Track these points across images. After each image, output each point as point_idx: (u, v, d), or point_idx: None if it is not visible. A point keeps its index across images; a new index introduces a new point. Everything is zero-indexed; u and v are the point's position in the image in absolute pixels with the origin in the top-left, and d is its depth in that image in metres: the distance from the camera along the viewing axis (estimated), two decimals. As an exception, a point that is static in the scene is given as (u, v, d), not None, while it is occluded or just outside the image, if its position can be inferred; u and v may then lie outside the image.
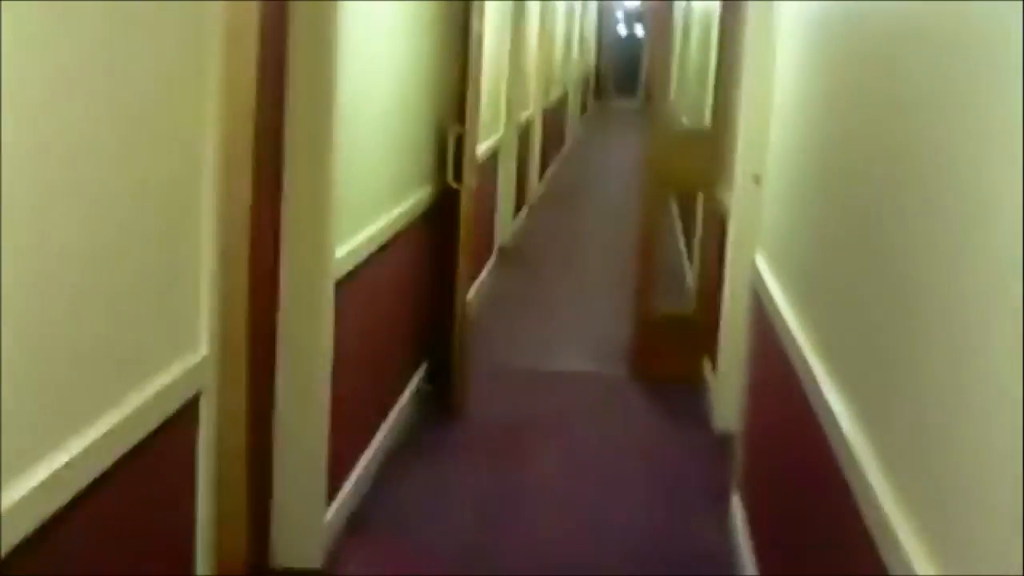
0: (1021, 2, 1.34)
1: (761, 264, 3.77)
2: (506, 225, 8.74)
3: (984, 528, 1.38)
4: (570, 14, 16.16)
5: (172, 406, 2.28)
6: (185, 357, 2.34)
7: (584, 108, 22.48)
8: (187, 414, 2.38)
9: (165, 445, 2.27)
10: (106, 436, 1.98)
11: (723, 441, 4.73)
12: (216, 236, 2.43)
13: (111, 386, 2.02)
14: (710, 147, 5.67)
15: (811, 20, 3.14)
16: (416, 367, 5.10)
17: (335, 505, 3.72)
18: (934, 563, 1.56)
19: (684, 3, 11.67)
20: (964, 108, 1.59)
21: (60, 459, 1.82)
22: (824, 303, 2.63)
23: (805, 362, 2.68)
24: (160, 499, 2.29)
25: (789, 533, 2.88)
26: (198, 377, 2.39)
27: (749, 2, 5.02)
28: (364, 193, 3.84)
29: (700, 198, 6.87)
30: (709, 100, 6.21)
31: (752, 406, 3.78)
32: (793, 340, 2.88)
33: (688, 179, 5.93)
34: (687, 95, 10.16)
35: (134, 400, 2.10)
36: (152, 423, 2.18)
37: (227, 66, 2.60)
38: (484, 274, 7.44)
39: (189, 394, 2.36)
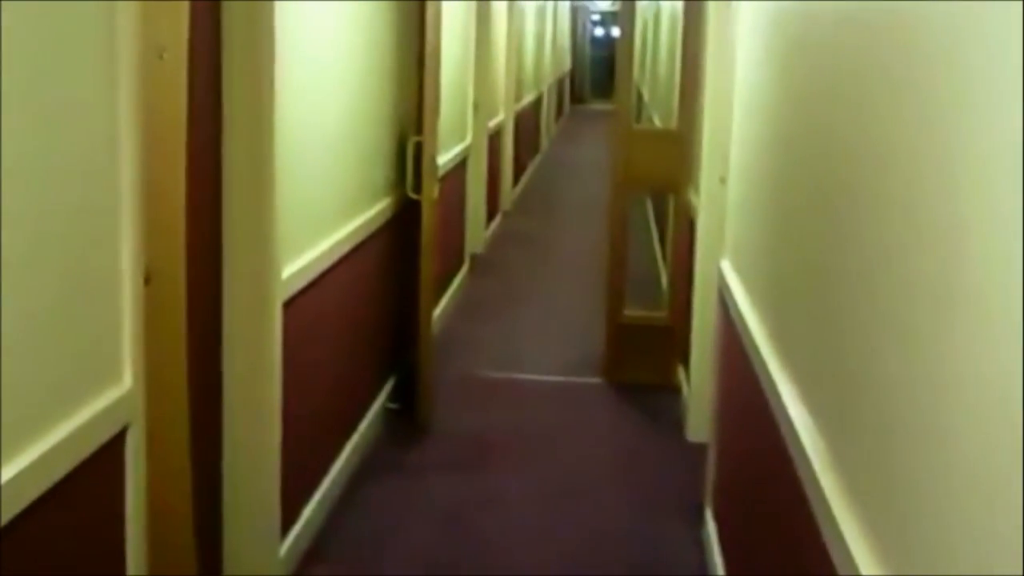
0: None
1: (726, 269, 3.65)
2: (478, 233, 8.61)
3: (938, 538, 1.27)
4: (541, 16, 16.04)
5: (93, 443, 2.15)
6: (106, 391, 2.20)
7: (560, 111, 22.37)
8: (113, 450, 2.25)
9: (89, 483, 2.15)
10: (17, 477, 1.86)
11: (697, 451, 4.61)
12: (138, 263, 2.30)
13: (19, 426, 1.89)
14: (677, 148, 5.55)
15: (768, 20, 3.03)
16: (382, 384, 4.97)
17: (292, 535, 3.58)
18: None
19: (654, 3, 11.58)
20: (923, 104, 1.48)
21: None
22: (784, 309, 2.52)
23: (767, 371, 2.56)
24: (86, 539, 2.16)
25: (756, 551, 2.76)
26: (123, 411, 2.26)
27: (710, 1, 4.91)
28: (315, 209, 3.71)
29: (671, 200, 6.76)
30: (676, 101, 6.10)
31: (721, 417, 3.66)
32: (756, 347, 2.77)
33: (656, 181, 5.81)
34: (659, 96, 10.07)
35: (49, 440, 1.98)
36: (71, 462, 2.06)
37: (152, 76, 2.47)
38: (455, 284, 7.31)
39: (114, 429, 2.24)
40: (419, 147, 4.92)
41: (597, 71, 28.38)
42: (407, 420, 4.96)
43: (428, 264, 4.93)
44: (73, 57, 2.01)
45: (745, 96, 3.48)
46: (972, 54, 1.26)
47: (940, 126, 1.37)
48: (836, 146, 2.01)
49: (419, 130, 4.98)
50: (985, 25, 1.21)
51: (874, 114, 1.72)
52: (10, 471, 1.85)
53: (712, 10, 4.86)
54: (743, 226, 3.37)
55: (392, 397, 5.06)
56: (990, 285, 1.16)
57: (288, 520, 3.55)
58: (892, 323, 1.56)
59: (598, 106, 26.86)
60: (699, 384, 4.83)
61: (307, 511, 3.77)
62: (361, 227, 4.30)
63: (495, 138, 9.74)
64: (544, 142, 16.75)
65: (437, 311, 6.38)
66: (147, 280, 2.49)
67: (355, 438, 4.43)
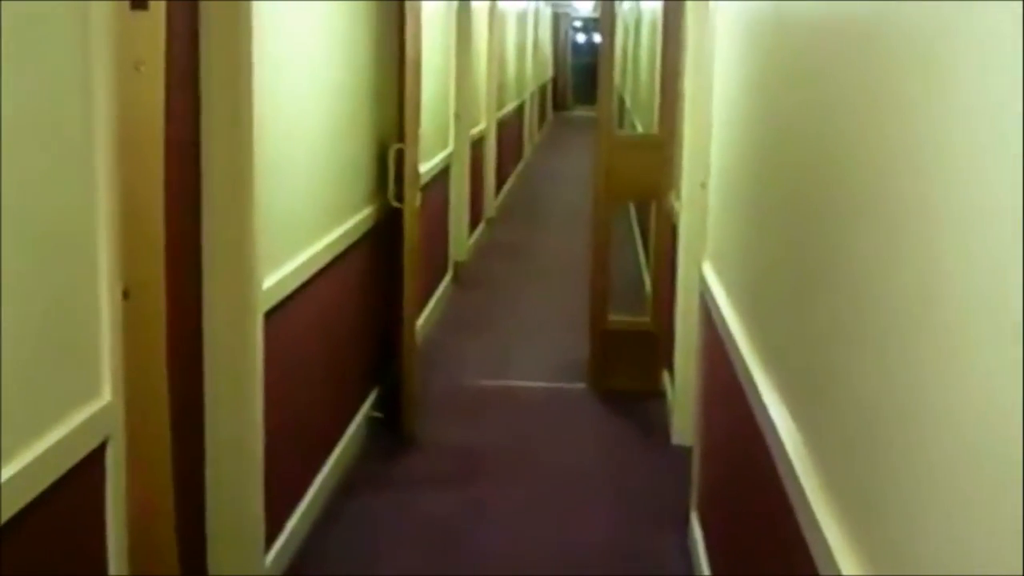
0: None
1: (708, 273, 3.65)
2: (461, 241, 8.61)
3: (917, 537, 1.27)
4: (522, 24, 16.06)
5: (72, 457, 2.13)
6: (85, 405, 2.19)
7: (543, 118, 22.39)
8: (93, 463, 2.23)
9: (68, 498, 2.13)
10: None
11: (682, 456, 4.61)
12: (115, 277, 2.29)
13: (-5, 444, 1.88)
14: (659, 154, 5.56)
15: (741, 24, 3.03)
16: (366, 395, 4.96)
17: (276, 547, 3.57)
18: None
19: (636, 9, 11.61)
20: (895, 106, 1.48)
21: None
22: (763, 310, 2.52)
23: (749, 374, 2.56)
24: (67, 554, 2.15)
25: (740, 554, 2.75)
26: (102, 424, 2.25)
27: (688, 4, 4.93)
28: (296, 219, 3.70)
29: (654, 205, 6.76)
30: (657, 106, 6.11)
31: (704, 421, 3.66)
32: (738, 350, 2.77)
33: (638, 187, 5.81)
34: (641, 102, 10.09)
35: (26, 455, 1.97)
36: (49, 477, 2.05)
37: (128, 88, 2.46)
38: (439, 292, 7.31)
39: (93, 443, 2.22)
40: (400, 155, 4.92)
41: (579, 77, 28.40)
42: (392, 431, 4.95)
43: (411, 272, 4.92)
44: (47, 70, 2.00)
45: (723, 100, 3.48)
46: (942, 55, 1.26)
47: (911, 126, 1.37)
48: (808, 148, 2.01)
49: (400, 138, 4.98)
50: (956, 25, 1.22)
51: (844, 115, 1.73)
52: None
53: (690, 15, 4.87)
54: (723, 229, 3.37)
55: (376, 407, 5.04)
56: (967, 283, 1.16)
57: (272, 533, 3.53)
58: (868, 323, 1.56)
59: (581, 112, 26.85)
60: (683, 387, 4.84)
61: (291, 523, 3.75)
62: (343, 236, 4.29)
63: (477, 146, 9.74)
64: (527, 149, 16.75)
65: (421, 320, 6.37)
66: (126, 294, 2.48)
67: (339, 450, 4.42)
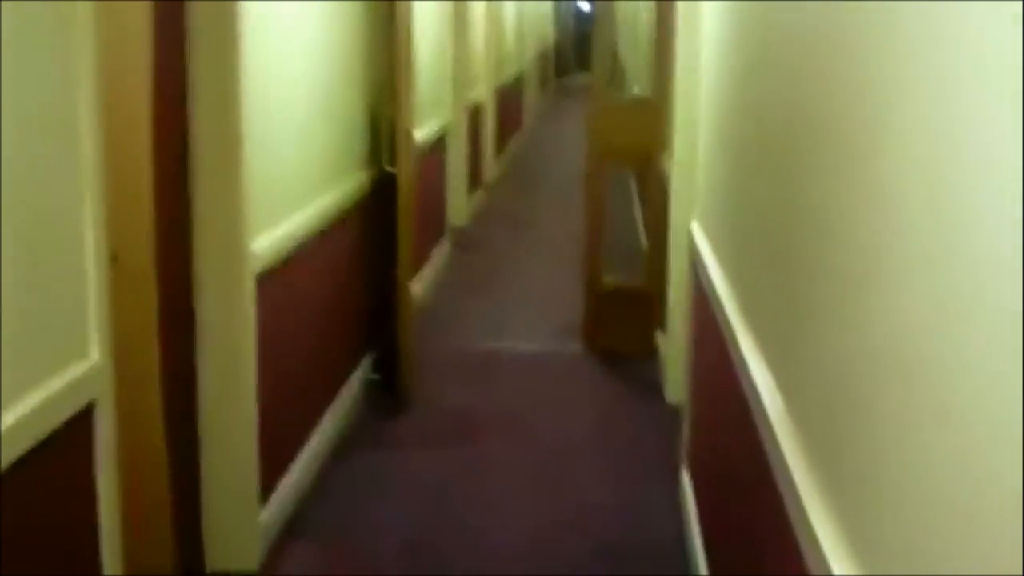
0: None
1: (697, 232, 3.68)
2: (459, 207, 8.62)
3: (894, 515, 1.30)
4: (521, -10, 15.98)
5: (57, 418, 2.16)
6: (71, 366, 2.22)
7: (544, 85, 22.30)
8: (80, 424, 2.26)
9: (54, 460, 2.16)
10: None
11: (676, 414, 4.65)
12: (102, 238, 2.31)
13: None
14: (652, 116, 5.57)
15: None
16: (362, 357, 4.99)
17: (271, 505, 3.61)
18: (853, 563, 1.47)
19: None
20: (867, 67, 1.50)
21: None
22: (746, 270, 2.55)
23: (732, 331, 2.59)
24: (56, 511, 2.18)
25: (725, 512, 2.79)
26: (89, 385, 2.28)
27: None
28: (286, 183, 3.72)
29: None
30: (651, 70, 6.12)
31: (694, 378, 3.70)
32: (723, 308, 2.80)
33: (631, 149, 5.82)
34: (639, 67, 10.06)
35: (7, 415, 1.99)
36: (31, 439, 2.06)
37: (114, 55, 2.48)
38: (435, 257, 7.33)
39: (80, 404, 2.25)
40: (393, 119, 4.93)
41: (582, 45, 28.22)
42: (388, 392, 4.99)
43: (406, 234, 4.94)
44: (29, 30, 2.02)
45: (712, 61, 3.49)
46: (904, 20, 1.28)
47: (871, 88, 1.39)
48: (785, 110, 2.03)
49: (393, 103, 4.99)
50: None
51: (820, 77, 1.75)
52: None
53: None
54: (710, 189, 3.39)
55: (374, 369, 5.09)
56: (939, 242, 1.17)
57: (267, 490, 3.57)
58: (838, 282, 1.58)
59: (583, 80, 26.73)
60: (676, 346, 4.87)
61: (286, 481, 3.79)
62: (337, 200, 4.31)
63: (476, 112, 9.74)
64: (526, 116, 16.71)
65: (419, 283, 6.40)
66: (115, 257, 2.51)
67: (334, 410, 4.46)
